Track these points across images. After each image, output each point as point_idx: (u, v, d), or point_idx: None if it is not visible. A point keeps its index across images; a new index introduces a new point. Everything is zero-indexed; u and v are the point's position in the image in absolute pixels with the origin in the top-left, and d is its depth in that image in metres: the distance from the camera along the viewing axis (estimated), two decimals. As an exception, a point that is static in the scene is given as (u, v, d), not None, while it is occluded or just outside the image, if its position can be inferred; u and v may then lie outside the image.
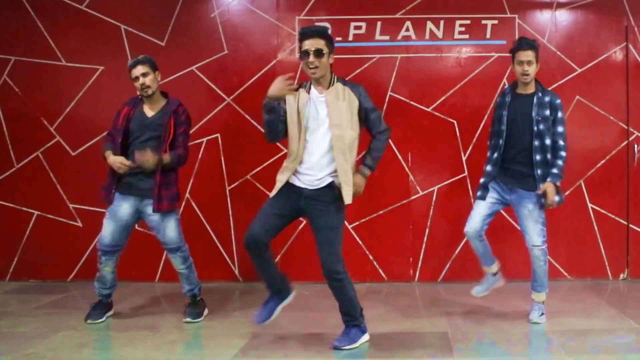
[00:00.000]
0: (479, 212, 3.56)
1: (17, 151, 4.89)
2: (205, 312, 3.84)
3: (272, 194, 3.20)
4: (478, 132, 4.61)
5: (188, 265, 3.70)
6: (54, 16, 4.82)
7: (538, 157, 3.41)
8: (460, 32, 4.67)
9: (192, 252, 4.49)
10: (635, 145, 4.58)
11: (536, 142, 3.41)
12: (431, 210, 4.68)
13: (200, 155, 4.70)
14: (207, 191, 4.67)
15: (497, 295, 4.17)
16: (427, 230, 4.70)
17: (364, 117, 3.10)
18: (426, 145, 4.69)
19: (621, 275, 4.65)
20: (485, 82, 4.66)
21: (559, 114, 3.42)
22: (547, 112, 3.41)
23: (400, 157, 4.65)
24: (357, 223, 4.67)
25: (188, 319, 3.70)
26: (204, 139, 4.67)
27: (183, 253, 3.68)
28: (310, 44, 2.96)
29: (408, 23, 4.67)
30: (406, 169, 4.66)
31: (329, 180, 3.06)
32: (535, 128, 3.41)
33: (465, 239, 4.51)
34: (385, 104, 4.62)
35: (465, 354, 3.06)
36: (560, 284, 4.52)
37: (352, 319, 3.16)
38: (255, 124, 4.65)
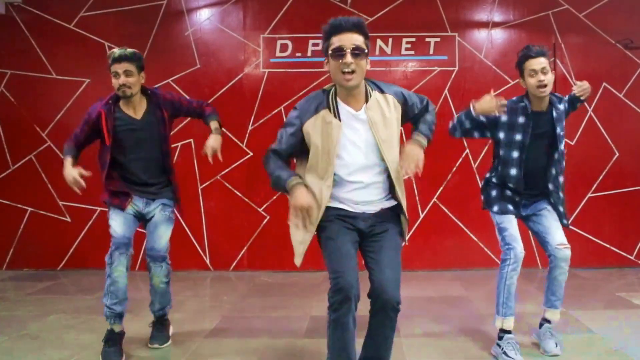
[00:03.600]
0: (516, 227, 3.04)
1: (13, 154, 5.07)
2: (171, 331, 3.20)
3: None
4: None
5: (169, 280, 3.09)
6: (45, 34, 5.03)
7: (553, 171, 2.92)
8: (406, 49, 4.98)
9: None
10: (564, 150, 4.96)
11: (556, 156, 2.88)
12: None
13: (175, 158, 4.80)
14: (181, 190, 4.50)
15: (439, 281, 4.48)
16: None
17: (409, 112, 2.32)
18: None
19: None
20: (429, 93, 4.53)
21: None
22: (564, 120, 2.93)
23: (353, 160, 5.00)
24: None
25: (155, 345, 3.05)
26: (179, 144, 4.91)
27: (169, 265, 3.09)
28: (346, 40, 2.10)
29: None
30: None
31: (388, 203, 2.28)
32: (560, 144, 2.88)
33: (411, 232, 4.90)
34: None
35: (409, 334, 3.21)
36: (495, 273, 4.74)
37: None
38: (224, 129, 4.93)
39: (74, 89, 5.03)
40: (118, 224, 2.98)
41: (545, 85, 2.74)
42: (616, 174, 4.99)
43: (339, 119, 2.18)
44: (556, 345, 2.90)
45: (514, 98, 2.93)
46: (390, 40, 4.98)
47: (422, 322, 3.48)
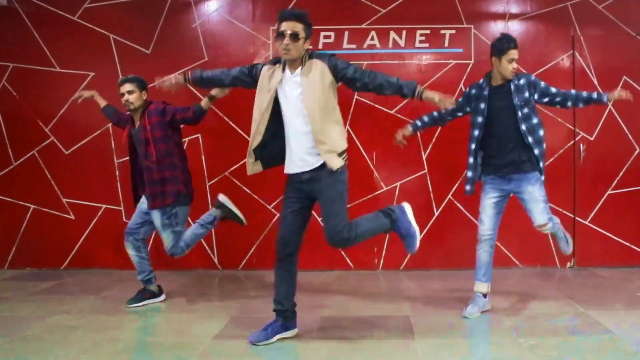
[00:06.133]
0: (487, 214, 3.54)
1: (15, 150, 5.05)
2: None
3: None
4: (437, 132, 4.82)
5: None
6: (48, 26, 4.99)
7: (530, 139, 3.40)
8: (420, 41, 4.87)
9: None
10: (581, 145, 4.84)
11: (523, 127, 3.39)
12: (394, 204, 4.87)
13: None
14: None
15: (455, 281, 4.43)
16: (390, 223, 4.95)
17: (344, 80, 2.94)
18: (389, 145, 4.64)
19: (568, 264, 4.90)
20: (443, 87, 4.64)
21: (541, 84, 3.44)
22: (527, 94, 3.41)
23: (365, 156, 4.88)
24: (327, 216, 4.91)
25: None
26: (186, 139, 4.78)
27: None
28: (287, 26, 2.84)
29: (373, 33, 4.86)
30: (371, 166, 4.89)
31: (318, 160, 2.93)
32: (520, 113, 3.39)
33: (425, 230, 4.84)
34: (352, 108, 4.83)
35: (425, 336, 3.18)
36: (513, 272, 4.74)
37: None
38: (233, 125, 4.86)
39: (78, 82, 4.97)
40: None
41: (515, 71, 3.46)
42: (637, 171, 4.88)
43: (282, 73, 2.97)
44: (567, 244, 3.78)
45: (478, 82, 3.62)
46: (403, 32, 4.87)
47: (436, 323, 3.44)
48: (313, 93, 2.86)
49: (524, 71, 3.54)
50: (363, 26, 4.87)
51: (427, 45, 4.88)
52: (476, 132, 3.52)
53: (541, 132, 3.46)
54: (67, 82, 4.98)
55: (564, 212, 4.85)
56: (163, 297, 3.96)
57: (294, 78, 2.91)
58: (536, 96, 3.46)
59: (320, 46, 4.86)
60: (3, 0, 4.94)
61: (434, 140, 4.87)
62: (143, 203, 3.84)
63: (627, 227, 4.89)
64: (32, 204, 5.06)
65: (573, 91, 3.52)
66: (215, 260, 5.00)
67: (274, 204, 4.92)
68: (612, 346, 2.97)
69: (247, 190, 4.92)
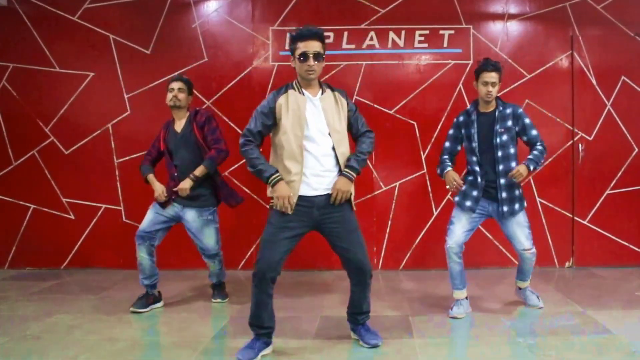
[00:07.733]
0: (462, 226, 3.44)
1: (15, 150, 5.02)
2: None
3: (276, 216, 2.82)
4: (436, 132, 4.79)
5: (222, 267, 3.92)
6: (48, 26, 4.95)
7: (501, 167, 3.36)
8: (419, 42, 4.82)
9: (173, 243, 4.54)
10: (580, 145, 4.79)
11: (499, 153, 3.35)
12: (393, 204, 4.84)
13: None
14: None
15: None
16: (389, 222, 4.84)
17: (349, 119, 2.95)
18: (389, 144, 4.79)
19: (566, 264, 4.86)
20: (442, 87, 4.82)
21: (526, 120, 3.37)
22: (509, 123, 3.35)
23: (365, 156, 4.89)
24: (326, 216, 4.88)
25: (218, 300, 3.90)
26: None
27: (220, 258, 3.85)
28: (310, 46, 2.75)
29: (372, 33, 4.81)
30: (370, 166, 4.82)
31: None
32: (498, 140, 3.34)
33: (424, 230, 4.84)
34: (352, 107, 4.86)
35: (423, 335, 3.16)
36: (511, 272, 4.48)
37: (368, 315, 3.07)
38: (232, 124, 4.81)
39: (78, 82, 4.96)
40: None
41: (490, 94, 3.35)
42: (636, 170, 4.84)
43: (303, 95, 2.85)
44: (538, 299, 3.65)
45: (466, 109, 3.56)
46: (403, 32, 4.82)
47: (435, 323, 3.42)
48: (336, 120, 2.87)
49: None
50: (362, 26, 4.82)
51: (426, 45, 4.84)
52: (474, 158, 3.43)
53: (513, 164, 3.38)
54: (67, 82, 4.95)
55: (563, 211, 4.82)
56: (162, 302, 3.85)
57: (315, 101, 2.84)
58: (517, 129, 3.40)
59: (319, 46, 4.85)
60: (3, 0, 4.90)
61: (432, 140, 4.83)
62: (160, 209, 3.74)
63: (625, 226, 4.85)
64: (32, 203, 5.02)
65: (540, 147, 3.37)
66: (215, 260, 4.93)
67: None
68: (610, 346, 2.95)
69: (247, 190, 4.89)
